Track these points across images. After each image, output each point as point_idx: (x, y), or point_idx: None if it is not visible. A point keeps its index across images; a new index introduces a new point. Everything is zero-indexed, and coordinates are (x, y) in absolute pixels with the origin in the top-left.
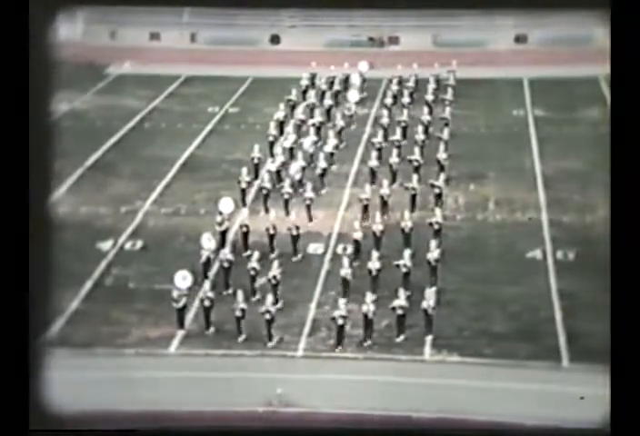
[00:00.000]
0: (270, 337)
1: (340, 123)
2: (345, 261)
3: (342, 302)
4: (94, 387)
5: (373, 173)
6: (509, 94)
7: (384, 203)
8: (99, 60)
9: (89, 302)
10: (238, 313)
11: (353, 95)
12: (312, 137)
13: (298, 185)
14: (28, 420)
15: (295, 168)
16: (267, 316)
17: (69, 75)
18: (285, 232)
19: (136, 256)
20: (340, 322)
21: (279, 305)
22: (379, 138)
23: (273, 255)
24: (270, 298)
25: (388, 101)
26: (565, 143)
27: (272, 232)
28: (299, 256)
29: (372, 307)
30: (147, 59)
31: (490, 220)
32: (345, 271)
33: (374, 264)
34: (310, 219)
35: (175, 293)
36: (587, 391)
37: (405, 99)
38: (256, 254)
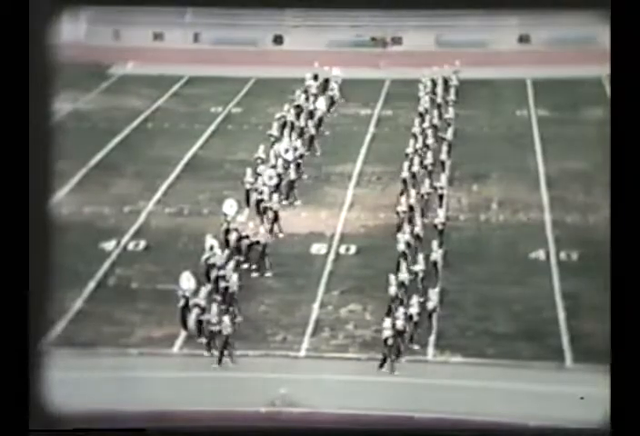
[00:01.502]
0: (231, 357)
1: (311, 130)
2: (392, 278)
3: (388, 321)
4: (97, 387)
5: (405, 183)
6: (512, 94)
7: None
8: (102, 60)
9: (92, 302)
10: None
11: (320, 103)
12: (286, 143)
13: (272, 193)
14: (28, 420)
15: (268, 175)
16: (221, 338)
17: (72, 76)
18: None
19: (139, 256)
20: (390, 342)
21: (238, 319)
22: (411, 148)
23: (245, 266)
24: (226, 319)
25: (421, 109)
26: (569, 144)
27: (247, 241)
28: (269, 273)
29: (402, 321)
30: (150, 59)
31: (493, 220)
32: (394, 288)
33: (404, 275)
34: (276, 229)
35: (180, 293)
36: (591, 392)
37: (426, 105)
38: (230, 264)
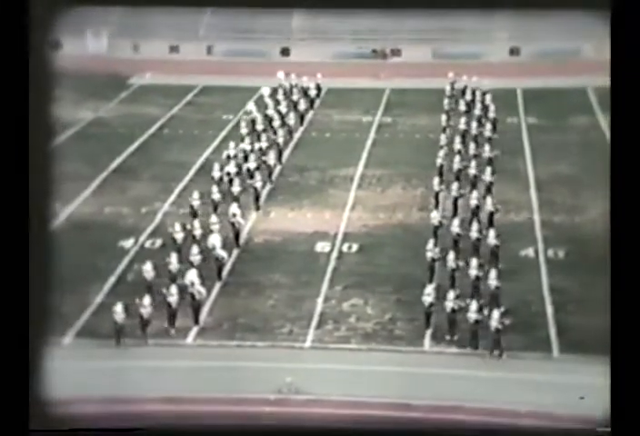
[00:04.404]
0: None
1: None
2: (493, 272)
3: (496, 312)
4: (117, 374)
5: (474, 184)
6: (504, 102)
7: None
8: (122, 71)
9: (112, 296)
10: (145, 316)
11: (250, 105)
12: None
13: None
14: (28, 420)
15: (216, 169)
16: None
17: (95, 86)
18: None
19: (156, 253)
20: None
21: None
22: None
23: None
24: (119, 307)
25: (462, 127)
26: (556, 149)
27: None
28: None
29: (451, 304)
30: (167, 70)
31: (486, 220)
32: (494, 282)
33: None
34: (238, 243)
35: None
36: (576, 380)
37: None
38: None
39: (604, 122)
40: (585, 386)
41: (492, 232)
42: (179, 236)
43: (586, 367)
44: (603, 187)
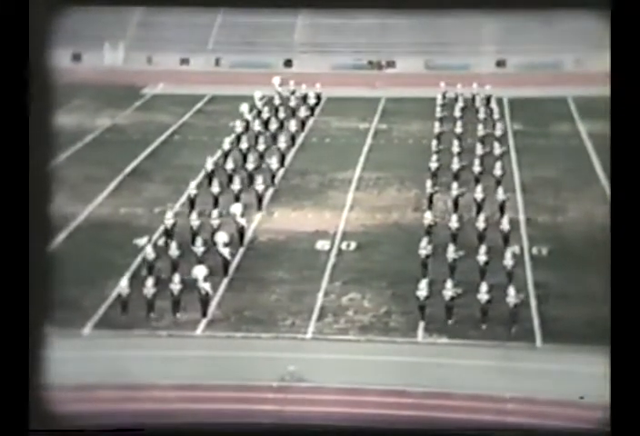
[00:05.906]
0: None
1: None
2: (509, 254)
3: (511, 288)
4: (132, 363)
5: (478, 180)
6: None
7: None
8: (137, 82)
9: (128, 291)
10: (149, 297)
11: (243, 107)
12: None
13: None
14: (28, 420)
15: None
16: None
17: (112, 95)
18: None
19: (167, 250)
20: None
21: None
22: (456, 164)
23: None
24: (124, 281)
25: (458, 130)
26: (540, 154)
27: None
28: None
29: (450, 292)
30: (178, 81)
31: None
32: (510, 261)
33: (451, 254)
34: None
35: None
36: (556, 368)
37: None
38: (175, 247)
39: (583, 129)
40: (566, 373)
41: (505, 219)
42: (169, 223)
43: (567, 355)
44: (583, 189)
